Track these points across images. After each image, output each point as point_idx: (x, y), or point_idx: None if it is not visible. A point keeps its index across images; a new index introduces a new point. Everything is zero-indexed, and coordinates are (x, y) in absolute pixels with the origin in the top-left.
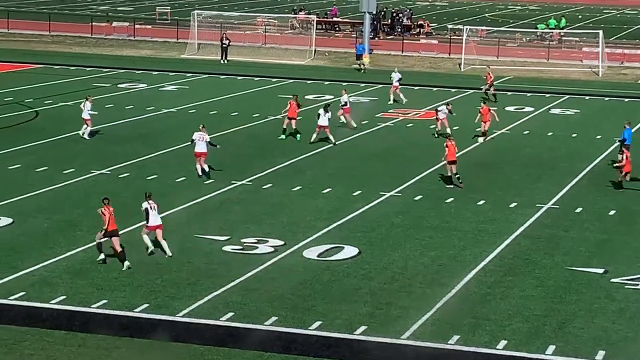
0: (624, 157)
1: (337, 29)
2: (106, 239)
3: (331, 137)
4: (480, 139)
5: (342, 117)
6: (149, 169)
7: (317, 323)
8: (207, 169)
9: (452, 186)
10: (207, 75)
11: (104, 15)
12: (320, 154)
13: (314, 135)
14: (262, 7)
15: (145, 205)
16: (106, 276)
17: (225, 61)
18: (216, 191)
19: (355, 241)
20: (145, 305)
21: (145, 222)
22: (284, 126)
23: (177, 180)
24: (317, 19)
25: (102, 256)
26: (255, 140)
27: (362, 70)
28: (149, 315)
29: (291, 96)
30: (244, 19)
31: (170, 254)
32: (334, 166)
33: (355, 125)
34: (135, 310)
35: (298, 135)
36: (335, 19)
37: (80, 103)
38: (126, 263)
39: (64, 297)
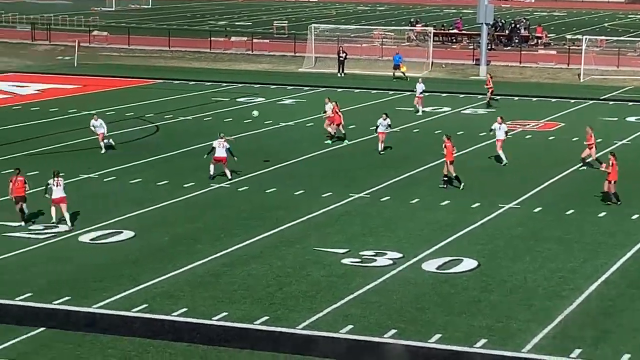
0: None
1: (454, 40)
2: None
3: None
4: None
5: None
6: (268, 182)
7: (437, 336)
8: (229, 174)
9: (445, 186)
10: (324, 89)
11: (222, 30)
12: (438, 166)
13: (380, 145)
14: (378, 20)
15: (50, 182)
16: (226, 289)
17: (343, 74)
18: (335, 204)
19: (474, 253)
20: (265, 318)
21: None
22: (333, 132)
23: (295, 194)
24: (434, 30)
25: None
26: (372, 153)
27: (405, 79)
28: (268, 328)
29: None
30: (360, 32)
31: (70, 226)
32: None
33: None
34: (255, 322)
35: (345, 141)
36: (455, 30)
37: (200, 117)
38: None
39: (185, 309)
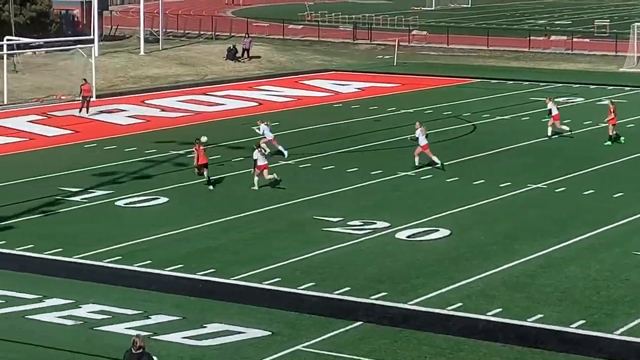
0: None
1: None
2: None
3: None
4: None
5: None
6: (586, 184)
7: None
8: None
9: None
10: None
11: (541, 29)
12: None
13: None
14: None
15: (256, 152)
16: (542, 290)
17: None
18: None
19: None
20: (582, 322)
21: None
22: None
23: (614, 196)
24: None
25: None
26: None
27: None
28: (585, 332)
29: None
30: None
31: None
32: None
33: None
34: (570, 325)
35: (622, 138)
36: None
37: (517, 117)
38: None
39: (500, 309)
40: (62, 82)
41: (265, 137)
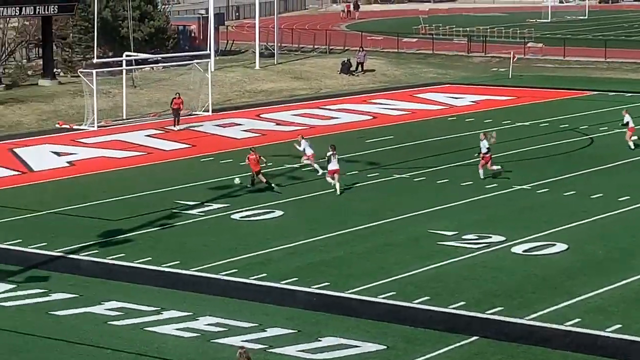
0: None
1: None
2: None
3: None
4: None
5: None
6: None
7: None
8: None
9: None
10: None
11: None
12: None
13: None
14: None
15: (328, 154)
16: None
17: None
18: None
19: None
20: None
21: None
22: None
23: None
24: None
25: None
26: None
27: None
28: None
29: None
30: None
31: (339, 192)
32: None
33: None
34: None
35: None
36: None
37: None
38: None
39: (619, 325)
40: None
41: (305, 154)
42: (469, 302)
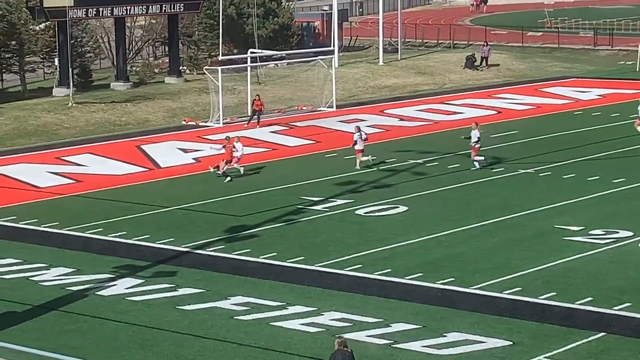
0: None
1: None
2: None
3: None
4: None
5: None
6: None
7: None
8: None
9: None
10: None
11: None
12: None
13: None
14: None
15: (355, 137)
16: None
17: None
18: None
19: None
20: None
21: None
22: None
23: None
24: None
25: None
26: None
27: None
28: None
29: None
30: None
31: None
32: None
33: None
34: None
35: None
36: None
37: None
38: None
39: None
40: (303, 93)
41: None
42: (596, 298)
